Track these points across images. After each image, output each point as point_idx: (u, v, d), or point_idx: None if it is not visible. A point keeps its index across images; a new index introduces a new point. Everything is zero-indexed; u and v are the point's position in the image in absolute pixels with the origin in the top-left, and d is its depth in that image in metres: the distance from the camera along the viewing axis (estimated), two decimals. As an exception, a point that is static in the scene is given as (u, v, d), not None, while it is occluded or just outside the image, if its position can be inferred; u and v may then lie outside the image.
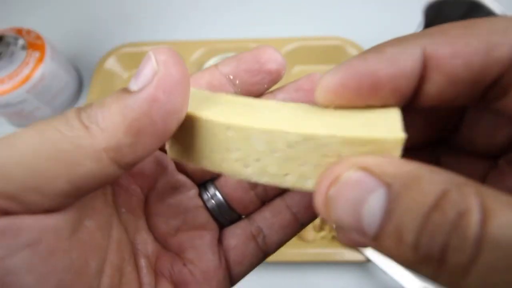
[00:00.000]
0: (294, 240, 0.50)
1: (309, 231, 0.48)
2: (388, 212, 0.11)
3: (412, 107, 0.15)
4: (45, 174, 0.13)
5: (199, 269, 0.21)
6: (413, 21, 0.53)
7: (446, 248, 0.10)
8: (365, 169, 0.11)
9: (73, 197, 0.14)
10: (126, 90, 0.15)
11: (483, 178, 0.17)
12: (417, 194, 0.10)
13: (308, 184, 0.15)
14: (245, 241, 0.21)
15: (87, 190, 0.15)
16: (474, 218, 0.10)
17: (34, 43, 0.55)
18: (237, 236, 0.22)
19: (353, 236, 0.12)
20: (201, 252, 0.21)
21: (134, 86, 0.15)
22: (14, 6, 0.75)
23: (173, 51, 0.15)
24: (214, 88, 0.20)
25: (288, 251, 0.47)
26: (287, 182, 0.15)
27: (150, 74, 0.15)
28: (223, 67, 0.20)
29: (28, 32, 0.57)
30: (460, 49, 0.12)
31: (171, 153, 0.19)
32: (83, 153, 0.13)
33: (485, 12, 0.51)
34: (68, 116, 0.14)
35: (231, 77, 0.19)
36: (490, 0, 0.50)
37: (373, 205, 0.11)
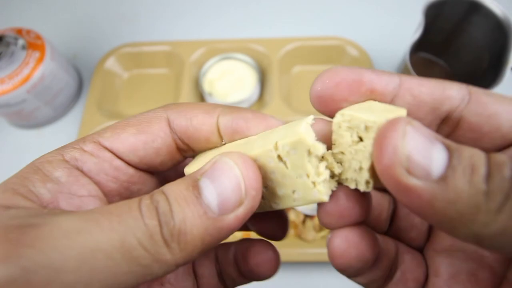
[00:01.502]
0: (294, 240, 0.51)
1: (309, 231, 0.48)
2: (458, 155, 0.13)
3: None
4: (119, 284, 0.13)
5: None
6: (413, 21, 0.54)
7: None
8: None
9: None
10: (206, 208, 0.15)
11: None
12: (469, 148, 0.14)
13: (316, 194, 0.16)
14: (211, 273, 0.22)
15: None
16: None
17: (34, 43, 0.55)
18: (205, 266, 0.22)
19: (414, 183, 0.13)
20: (179, 273, 0.21)
21: (213, 202, 0.15)
22: (14, 6, 0.75)
23: (256, 173, 0.16)
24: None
25: (288, 251, 0.47)
26: (298, 200, 0.17)
27: (235, 202, 0.15)
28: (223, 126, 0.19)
29: (28, 32, 0.57)
30: (426, 82, 0.17)
31: None
32: (158, 266, 0.14)
33: (484, 12, 0.51)
34: (150, 227, 0.14)
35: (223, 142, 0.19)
36: (490, 0, 0.50)
37: (440, 149, 0.13)
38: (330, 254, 0.17)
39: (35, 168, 0.17)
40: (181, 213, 0.14)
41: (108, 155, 0.18)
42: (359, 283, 0.19)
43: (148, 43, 0.64)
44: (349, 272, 0.18)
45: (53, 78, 0.57)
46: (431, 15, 0.51)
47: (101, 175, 0.18)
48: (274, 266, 0.21)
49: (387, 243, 0.20)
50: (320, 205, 0.18)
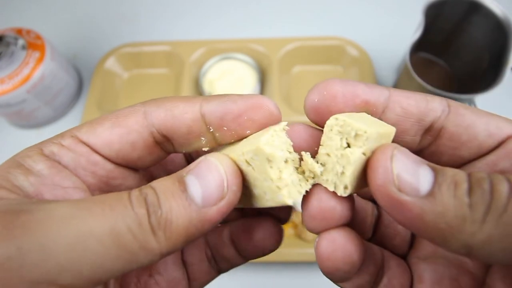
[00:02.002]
0: (294, 240, 0.51)
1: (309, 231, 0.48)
2: (442, 173, 0.15)
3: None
4: (106, 269, 0.14)
5: (165, 279, 0.21)
6: (413, 21, 0.54)
7: (494, 182, 0.14)
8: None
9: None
10: (190, 201, 0.16)
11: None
12: (451, 169, 0.15)
13: (280, 198, 0.17)
14: (200, 260, 0.23)
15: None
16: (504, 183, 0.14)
17: (34, 43, 0.55)
18: (193, 255, 0.23)
19: (404, 199, 0.15)
20: (168, 263, 0.22)
21: (198, 195, 0.16)
22: (14, 6, 0.75)
23: (237, 172, 0.17)
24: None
25: (288, 251, 0.47)
26: (269, 201, 0.17)
27: (218, 196, 0.16)
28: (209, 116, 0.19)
29: (28, 32, 0.57)
30: (412, 95, 0.18)
31: None
32: (144, 254, 0.15)
33: (484, 12, 0.51)
34: (139, 215, 0.15)
35: (211, 129, 0.19)
36: (490, 0, 0.50)
37: (426, 169, 0.15)
38: (318, 258, 0.18)
39: (16, 162, 0.17)
40: (168, 204, 0.15)
41: (85, 149, 0.18)
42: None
43: (148, 43, 0.64)
44: (336, 276, 0.19)
45: (53, 78, 0.57)
46: (431, 15, 0.51)
47: (79, 170, 0.18)
48: (280, 237, 0.21)
49: (373, 249, 0.21)
50: (303, 209, 0.18)
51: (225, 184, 0.17)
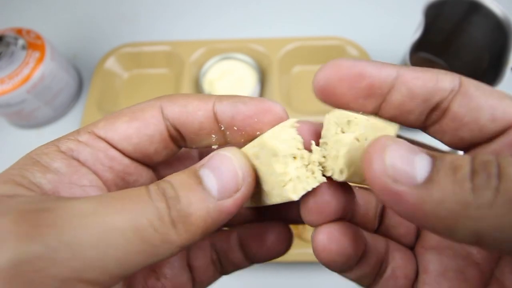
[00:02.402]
0: (294, 240, 0.50)
1: (309, 231, 0.48)
2: (441, 159, 0.14)
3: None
4: (129, 263, 0.14)
5: (172, 284, 0.22)
6: (413, 21, 0.54)
7: (502, 165, 0.13)
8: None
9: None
10: (207, 193, 0.16)
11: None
12: (451, 155, 0.14)
13: (285, 193, 0.17)
14: (206, 264, 0.23)
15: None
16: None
17: (34, 43, 0.55)
18: (199, 259, 0.23)
19: (400, 189, 0.14)
20: (175, 267, 0.22)
21: (213, 188, 0.16)
22: (14, 6, 0.75)
23: (250, 164, 0.18)
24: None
25: (288, 251, 0.47)
26: (277, 196, 0.17)
27: (233, 188, 0.17)
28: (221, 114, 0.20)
29: (28, 32, 0.57)
30: (421, 75, 0.17)
31: None
32: (165, 247, 0.15)
33: (484, 12, 0.51)
34: (160, 209, 0.15)
35: (222, 127, 0.20)
36: (490, 0, 0.50)
37: (423, 156, 0.14)
38: (314, 249, 0.19)
39: (33, 160, 0.17)
40: (186, 197, 0.16)
41: (103, 144, 0.18)
42: (349, 278, 0.20)
43: (148, 43, 0.64)
44: (334, 267, 0.19)
45: (53, 78, 0.57)
46: (431, 15, 0.51)
47: (97, 165, 0.18)
48: (290, 242, 0.22)
49: (376, 241, 0.21)
50: (302, 202, 0.19)
51: (240, 176, 0.17)
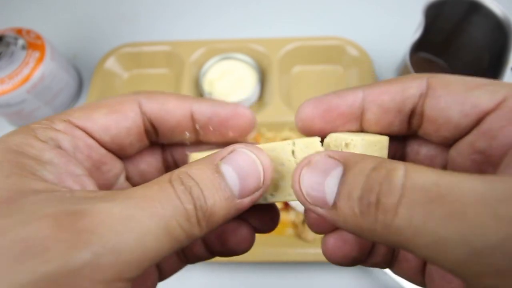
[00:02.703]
0: (294, 240, 0.51)
1: (309, 231, 0.48)
2: (343, 181, 0.15)
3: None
4: (159, 258, 0.15)
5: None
6: (413, 21, 0.54)
7: (380, 193, 0.14)
8: (329, 155, 0.16)
9: None
10: (230, 193, 0.17)
11: (444, 166, 0.21)
12: (362, 165, 0.15)
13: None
14: (170, 255, 0.23)
15: None
16: (399, 172, 0.14)
17: (34, 43, 0.55)
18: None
19: (319, 211, 0.16)
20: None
21: (235, 187, 0.17)
22: (14, 6, 0.75)
23: (271, 163, 0.19)
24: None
25: (288, 251, 0.47)
26: (292, 194, 0.18)
27: (253, 189, 0.18)
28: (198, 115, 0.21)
29: (28, 32, 0.57)
30: (387, 89, 0.19)
31: None
32: (188, 241, 0.16)
33: (484, 12, 0.51)
34: (189, 211, 0.16)
35: (197, 126, 0.21)
36: (490, 0, 0.50)
37: (333, 178, 0.16)
38: (323, 253, 0.21)
39: (17, 152, 0.16)
40: (212, 198, 0.16)
41: (80, 133, 0.19)
42: (365, 266, 0.22)
43: (148, 43, 0.64)
44: (346, 265, 0.21)
45: (53, 78, 0.57)
46: (431, 15, 0.51)
47: (77, 154, 0.18)
48: (252, 241, 0.22)
49: None
50: (306, 213, 0.20)
51: (261, 178, 0.18)
